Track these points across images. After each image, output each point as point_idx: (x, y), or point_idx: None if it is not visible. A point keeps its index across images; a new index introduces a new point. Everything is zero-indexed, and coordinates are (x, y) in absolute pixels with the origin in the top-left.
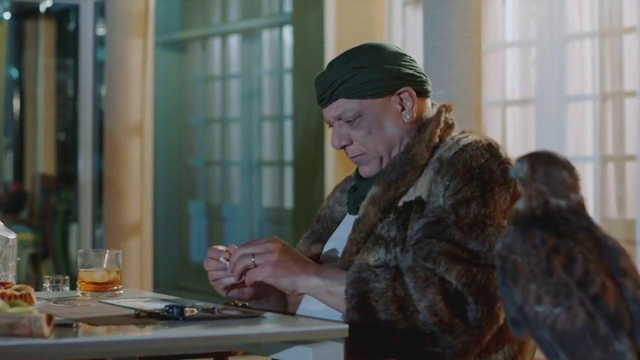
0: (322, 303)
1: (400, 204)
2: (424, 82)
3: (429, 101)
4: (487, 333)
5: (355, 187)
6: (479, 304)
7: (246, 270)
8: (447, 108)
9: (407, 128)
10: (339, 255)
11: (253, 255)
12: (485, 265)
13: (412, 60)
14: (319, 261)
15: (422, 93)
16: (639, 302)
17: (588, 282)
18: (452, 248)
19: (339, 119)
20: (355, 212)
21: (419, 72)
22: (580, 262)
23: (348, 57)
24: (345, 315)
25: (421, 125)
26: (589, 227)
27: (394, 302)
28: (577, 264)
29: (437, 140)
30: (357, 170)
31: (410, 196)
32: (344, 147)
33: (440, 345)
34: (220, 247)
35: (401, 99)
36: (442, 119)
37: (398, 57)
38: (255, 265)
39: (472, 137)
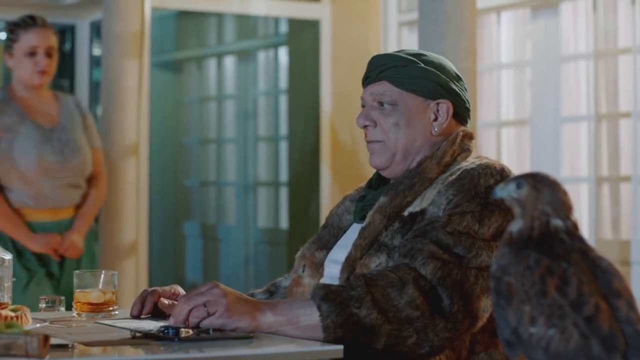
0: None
1: (405, 213)
2: (466, 109)
3: (461, 127)
4: (465, 328)
5: (364, 196)
6: (454, 298)
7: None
8: (467, 134)
9: (431, 140)
10: (343, 261)
11: (204, 304)
12: (466, 267)
13: (465, 89)
14: (323, 266)
15: (460, 117)
16: (632, 323)
17: (582, 304)
18: (435, 249)
19: (375, 100)
20: (360, 220)
21: (466, 98)
22: (574, 284)
23: (411, 51)
24: (324, 335)
25: (439, 143)
26: (583, 249)
27: (375, 305)
28: (571, 286)
29: (448, 158)
30: (368, 181)
31: (416, 207)
32: (365, 128)
33: (422, 346)
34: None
35: (438, 110)
36: (458, 141)
37: (452, 75)
38: (209, 314)
39: (486, 161)
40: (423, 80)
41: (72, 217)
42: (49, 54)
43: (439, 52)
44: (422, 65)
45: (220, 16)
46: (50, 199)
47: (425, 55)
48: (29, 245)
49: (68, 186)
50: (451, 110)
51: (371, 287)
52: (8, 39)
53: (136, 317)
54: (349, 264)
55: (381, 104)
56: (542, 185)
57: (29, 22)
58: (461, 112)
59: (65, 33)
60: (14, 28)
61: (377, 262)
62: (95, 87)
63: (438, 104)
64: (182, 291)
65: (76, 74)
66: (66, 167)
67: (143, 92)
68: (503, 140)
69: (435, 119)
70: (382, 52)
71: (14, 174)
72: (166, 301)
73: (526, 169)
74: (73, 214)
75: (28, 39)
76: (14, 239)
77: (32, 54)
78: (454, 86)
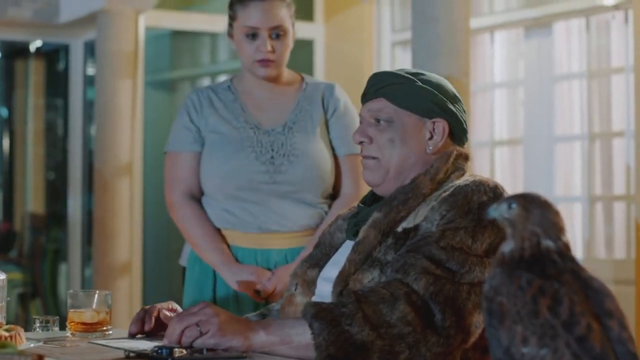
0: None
1: (399, 229)
2: (463, 130)
3: (456, 147)
4: (457, 343)
5: (357, 213)
6: (447, 313)
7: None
8: (461, 154)
9: (424, 159)
10: (335, 276)
11: (197, 324)
12: (458, 282)
13: (463, 110)
14: (315, 284)
15: (456, 137)
16: (624, 343)
17: (574, 324)
18: (428, 264)
19: (372, 117)
20: (353, 237)
21: (463, 119)
22: (566, 304)
23: (410, 70)
24: (316, 353)
25: (433, 161)
26: (575, 269)
27: (367, 322)
28: (562, 306)
29: (442, 175)
30: (363, 198)
31: (409, 222)
32: (361, 144)
33: None
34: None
35: (434, 128)
36: (452, 159)
37: (450, 95)
38: (202, 334)
39: (479, 178)
40: (419, 99)
41: (300, 247)
42: (276, 36)
43: (432, 72)
44: (420, 83)
45: (213, 36)
46: (257, 220)
47: (424, 74)
48: (226, 280)
49: (290, 203)
50: (447, 130)
51: (362, 304)
52: (229, 16)
53: (133, 335)
54: (342, 279)
55: (377, 120)
56: (532, 206)
57: None
58: (457, 132)
59: (59, 53)
60: (231, 2)
61: (370, 278)
62: (89, 107)
63: (434, 122)
64: (178, 307)
65: (70, 94)
66: (277, 179)
67: (137, 112)
68: (496, 159)
69: (431, 138)
70: (375, 71)
71: (212, 184)
72: (168, 313)
73: (520, 188)
74: (301, 242)
75: (245, 16)
76: (215, 270)
77: (252, 35)
78: (450, 106)
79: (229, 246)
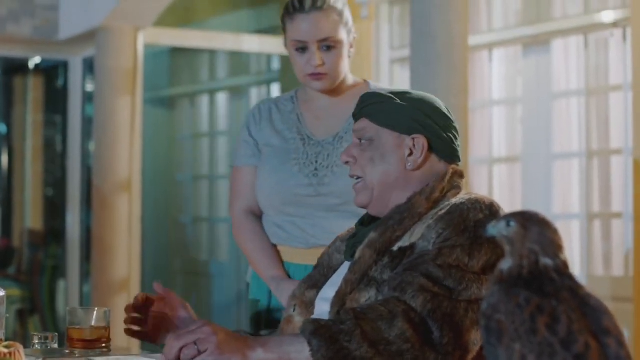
0: None
1: (395, 248)
2: (449, 146)
3: (442, 164)
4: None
5: (355, 234)
6: (445, 330)
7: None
8: (456, 172)
9: (406, 175)
10: (332, 296)
11: (195, 342)
12: (456, 300)
13: (451, 126)
14: (313, 305)
15: (440, 153)
16: None
17: (572, 342)
18: (425, 282)
19: (356, 137)
20: (351, 257)
21: (448, 135)
22: (564, 322)
23: (396, 89)
24: None
25: (424, 180)
26: (573, 287)
27: (365, 339)
28: (560, 324)
29: (438, 194)
30: (360, 218)
31: (405, 242)
32: (347, 164)
33: None
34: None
35: (414, 145)
36: (447, 177)
37: (434, 111)
38: (200, 352)
39: (475, 196)
40: (398, 116)
41: None
42: (327, 48)
43: (431, 89)
44: (399, 101)
45: (212, 53)
46: (305, 235)
47: (409, 93)
48: (277, 296)
49: (338, 217)
50: (426, 146)
51: (361, 321)
52: (282, 29)
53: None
54: (339, 299)
55: (360, 140)
56: (530, 224)
57: (296, 6)
58: (440, 147)
59: (58, 69)
60: (282, 15)
61: (366, 297)
62: (88, 123)
63: (413, 139)
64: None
65: (69, 110)
66: (321, 191)
67: (136, 128)
68: (495, 176)
69: (411, 154)
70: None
71: (263, 198)
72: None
73: (518, 205)
74: None
75: (294, 30)
76: (268, 285)
77: (302, 49)
78: (431, 122)
79: (283, 262)
